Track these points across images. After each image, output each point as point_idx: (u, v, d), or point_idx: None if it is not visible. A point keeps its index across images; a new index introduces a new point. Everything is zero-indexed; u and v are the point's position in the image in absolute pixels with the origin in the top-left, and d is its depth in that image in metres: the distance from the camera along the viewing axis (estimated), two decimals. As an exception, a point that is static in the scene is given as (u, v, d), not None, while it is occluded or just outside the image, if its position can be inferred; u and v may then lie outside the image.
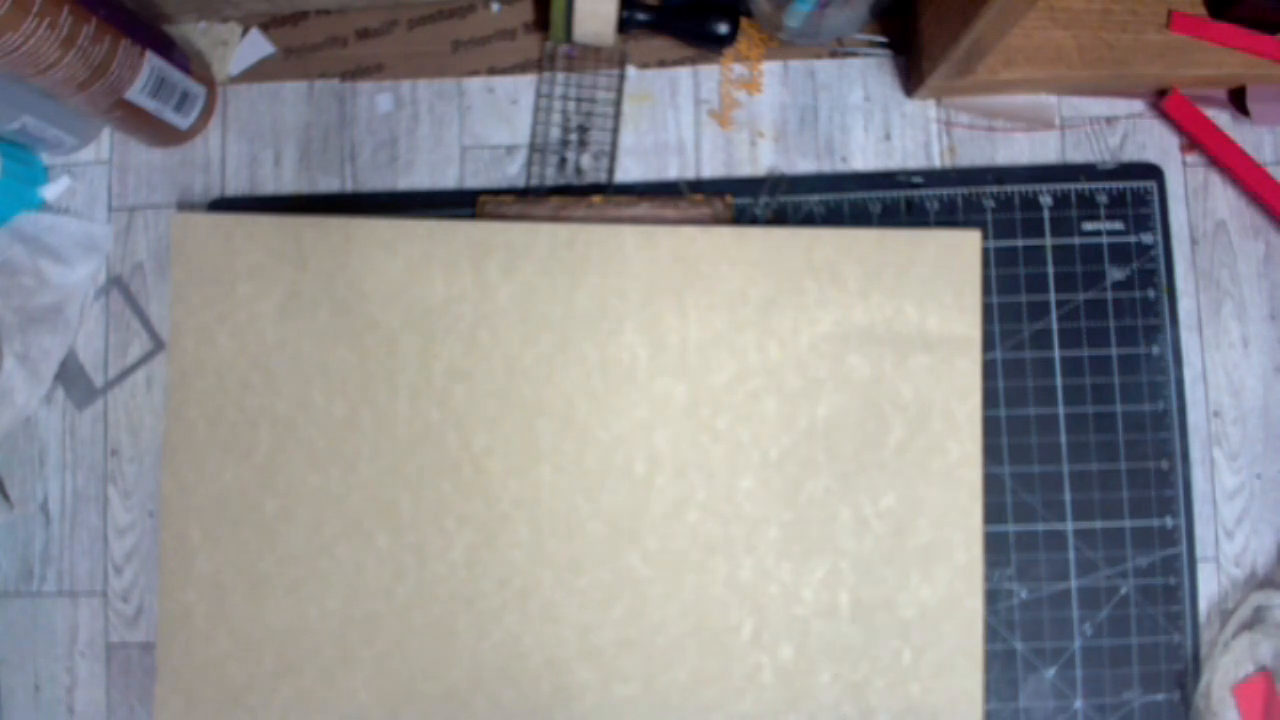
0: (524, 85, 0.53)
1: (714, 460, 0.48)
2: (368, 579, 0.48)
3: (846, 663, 0.47)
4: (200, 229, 0.49)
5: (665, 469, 0.48)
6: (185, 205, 0.54)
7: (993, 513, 0.49)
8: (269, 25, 0.54)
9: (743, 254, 0.48)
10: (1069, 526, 0.49)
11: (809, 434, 0.48)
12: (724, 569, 0.47)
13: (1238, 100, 0.51)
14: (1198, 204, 0.52)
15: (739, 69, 0.53)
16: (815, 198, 0.51)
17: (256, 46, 0.54)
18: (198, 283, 0.49)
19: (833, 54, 0.53)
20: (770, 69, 0.53)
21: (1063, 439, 0.49)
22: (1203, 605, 0.49)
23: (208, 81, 0.53)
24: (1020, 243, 0.51)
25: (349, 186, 0.53)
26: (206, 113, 0.53)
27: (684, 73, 0.53)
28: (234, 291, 0.49)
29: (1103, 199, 0.51)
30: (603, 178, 0.52)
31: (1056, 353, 0.50)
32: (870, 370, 0.48)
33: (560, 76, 0.53)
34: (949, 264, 0.48)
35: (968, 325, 0.48)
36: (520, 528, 0.48)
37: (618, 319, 0.48)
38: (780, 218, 0.51)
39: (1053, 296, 0.50)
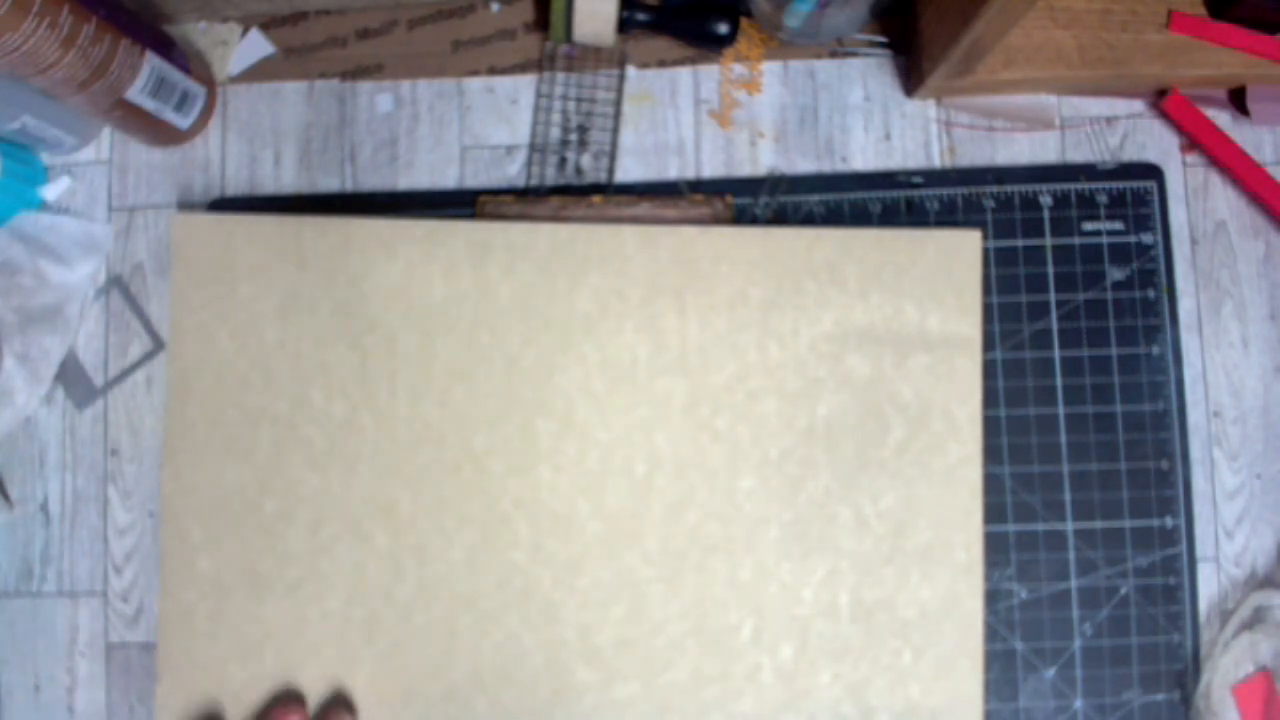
0: (524, 85, 0.53)
1: (714, 460, 0.48)
2: (368, 579, 0.48)
3: (846, 663, 0.47)
4: (200, 229, 0.49)
5: (665, 469, 0.48)
6: (185, 205, 0.54)
7: (993, 513, 0.49)
8: (269, 25, 0.54)
9: (743, 254, 0.48)
10: (1069, 526, 0.49)
11: (809, 434, 0.48)
12: (724, 569, 0.47)
13: (1238, 100, 0.51)
14: (1198, 204, 0.52)
15: (739, 69, 0.53)
16: (815, 198, 0.51)
17: (256, 46, 0.54)
18: (198, 283, 0.49)
19: (833, 54, 0.53)
20: (770, 69, 0.53)
21: (1063, 439, 0.49)
22: (1203, 605, 0.49)
23: (208, 81, 0.53)
24: (1020, 243, 0.51)
25: (349, 186, 0.53)
26: (206, 113, 0.53)
27: (684, 73, 0.53)
28: (234, 291, 0.49)
29: (1103, 199, 0.51)
30: (603, 178, 0.52)
31: (1056, 353, 0.50)
32: (870, 370, 0.48)
33: (560, 76, 0.53)
34: (949, 264, 0.48)
35: (968, 325, 0.48)
36: (520, 528, 0.48)
37: (618, 319, 0.48)
38: (780, 218, 0.51)
39: (1053, 296, 0.50)
